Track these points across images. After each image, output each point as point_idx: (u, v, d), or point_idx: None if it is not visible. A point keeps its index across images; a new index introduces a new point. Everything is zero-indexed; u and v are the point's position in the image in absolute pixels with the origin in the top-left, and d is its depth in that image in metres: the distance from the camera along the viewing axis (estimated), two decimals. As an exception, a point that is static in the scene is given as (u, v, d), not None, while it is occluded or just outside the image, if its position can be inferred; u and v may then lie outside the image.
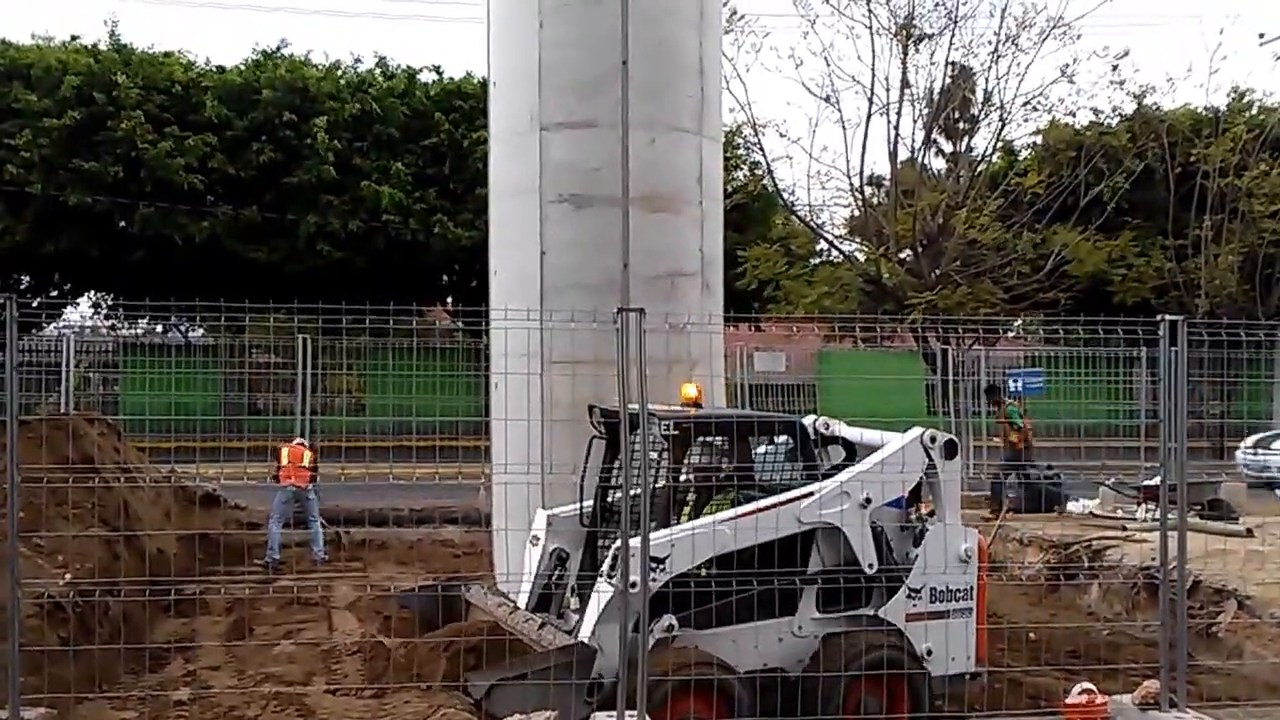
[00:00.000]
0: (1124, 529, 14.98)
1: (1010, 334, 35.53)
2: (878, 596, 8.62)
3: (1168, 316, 8.36)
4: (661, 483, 9.06)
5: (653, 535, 7.85)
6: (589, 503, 9.18)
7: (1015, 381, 20.30)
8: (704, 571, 8.27)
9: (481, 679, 7.85)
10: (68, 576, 10.23)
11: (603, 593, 7.97)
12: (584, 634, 7.99)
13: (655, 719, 7.57)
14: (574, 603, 8.86)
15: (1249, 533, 14.21)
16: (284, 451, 15.60)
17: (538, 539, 9.13)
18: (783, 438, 9.28)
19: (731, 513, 8.31)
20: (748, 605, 8.32)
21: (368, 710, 8.96)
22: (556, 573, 9.14)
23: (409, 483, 16.51)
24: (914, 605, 8.70)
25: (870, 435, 9.48)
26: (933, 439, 8.90)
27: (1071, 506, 17.30)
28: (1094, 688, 8.42)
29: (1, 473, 8.15)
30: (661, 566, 7.91)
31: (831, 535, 8.54)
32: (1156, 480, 10.02)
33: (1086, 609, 12.94)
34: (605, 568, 7.98)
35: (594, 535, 9.01)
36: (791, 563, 8.35)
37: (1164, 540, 8.82)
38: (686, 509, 9.08)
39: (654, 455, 8.55)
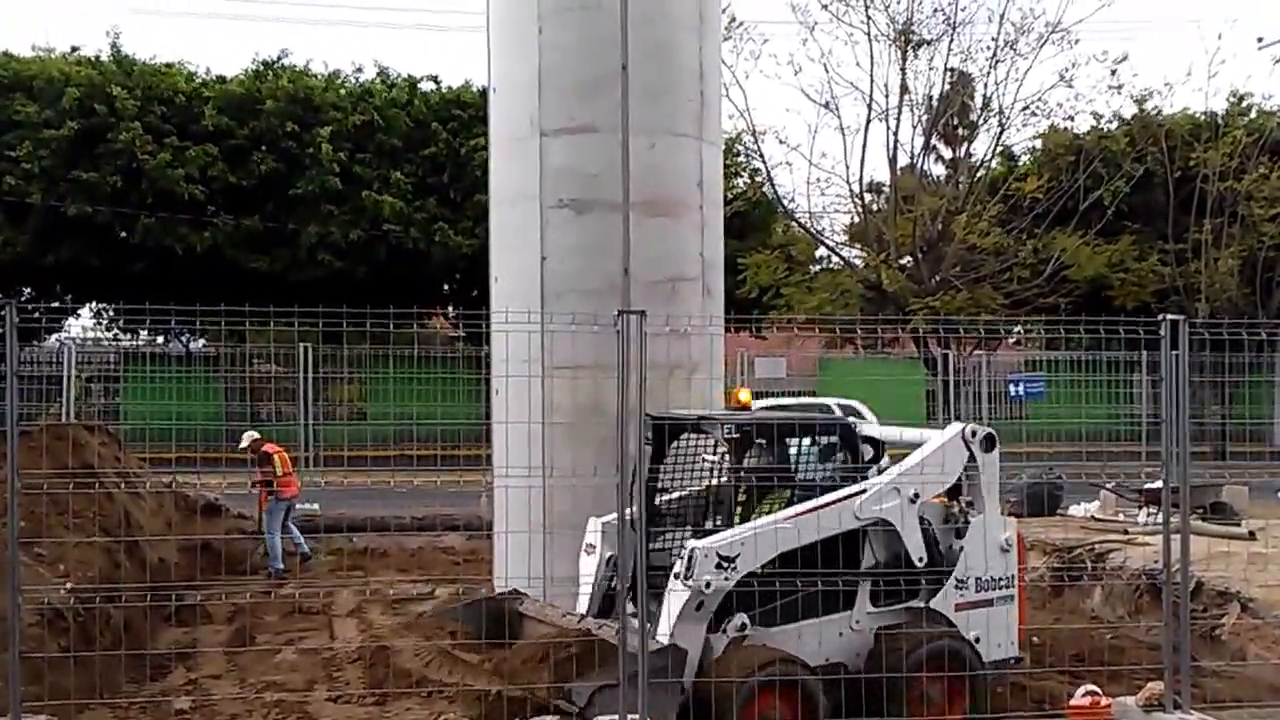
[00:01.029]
0: (1126, 532, 14.96)
1: (1012, 339, 35.56)
2: (928, 588, 8.87)
3: (1169, 316, 8.34)
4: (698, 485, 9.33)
5: (722, 535, 8.14)
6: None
7: (1016, 386, 20.29)
8: (761, 569, 8.38)
9: (582, 687, 7.91)
10: (69, 585, 10.22)
11: (677, 594, 8.07)
12: (662, 635, 8.08)
13: (742, 717, 7.78)
14: (628, 607, 8.85)
15: (1251, 535, 14.19)
16: (276, 459, 15.49)
17: (593, 547, 9.23)
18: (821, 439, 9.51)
19: (794, 510, 8.48)
20: (811, 601, 8.52)
21: (369, 717, 8.96)
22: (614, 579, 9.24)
23: (409, 489, 16.58)
24: (961, 595, 8.97)
25: (906, 433, 9.91)
26: (973, 433, 9.12)
27: (1073, 510, 17.28)
28: (1098, 690, 8.41)
29: (1, 482, 8.14)
30: (732, 565, 8.06)
31: (883, 530, 8.79)
32: (1158, 483, 10.00)
33: (1090, 612, 12.91)
34: (678, 569, 8.10)
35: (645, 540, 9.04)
36: (847, 558, 8.60)
37: (1167, 543, 8.79)
38: (737, 510, 9.23)
39: (714, 457, 8.92)
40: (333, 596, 13.41)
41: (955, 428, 9.19)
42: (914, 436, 9.66)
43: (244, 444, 15.73)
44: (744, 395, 9.64)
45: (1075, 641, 11.03)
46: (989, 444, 9.15)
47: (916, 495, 8.80)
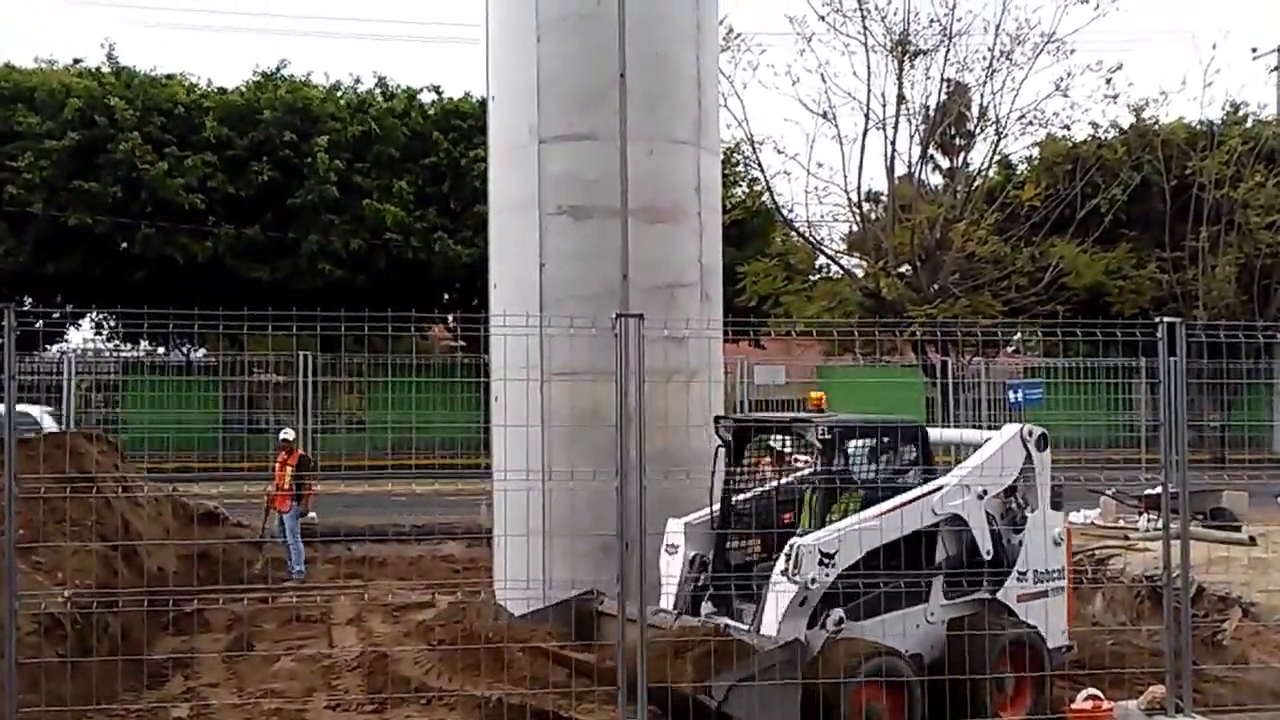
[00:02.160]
0: (1126, 538, 14.95)
1: (1010, 349, 35.59)
2: (994, 580, 9.25)
3: (1166, 319, 8.36)
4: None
5: (822, 532, 8.48)
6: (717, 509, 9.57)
7: (1015, 393, 20.27)
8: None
9: (720, 682, 8.00)
10: (67, 593, 10.19)
11: (782, 590, 8.30)
12: (768, 631, 8.33)
13: (852, 707, 8.06)
14: (707, 606, 9.17)
15: (1252, 540, 14.18)
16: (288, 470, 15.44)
17: (676, 547, 9.41)
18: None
19: (882, 507, 8.79)
20: (893, 595, 8.83)
21: (368, 724, 8.96)
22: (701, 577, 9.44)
23: (409, 498, 16.55)
24: (1022, 587, 9.42)
25: (965, 434, 10.58)
26: (1030, 433, 9.61)
27: (1074, 517, 17.26)
28: (1100, 694, 8.40)
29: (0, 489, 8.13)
30: (832, 561, 8.37)
31: (954, 526, 9.18)
32: (1158, 489, 10.03)
33: (1091, 618, 12.89)
34: (784, 566, 8.34)
35: (723, 539, 9.45)
36: (925, 553, 9.01)
37: (1167, 548, 8.82)
38: (806, 510, 9.53)
39: (808, 458, 9.29)
40: (331, 605, 13.39)
41: (1012, 428, 9.71)
42: (973, 437, 10.34)
43: (290, 436, 15.67)
44: (816, 395, 9.84)
45: (1077, 646, 11.00)
46: (1042, 443, 9.64)
47: (985, 492, 9.24)
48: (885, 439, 9.48)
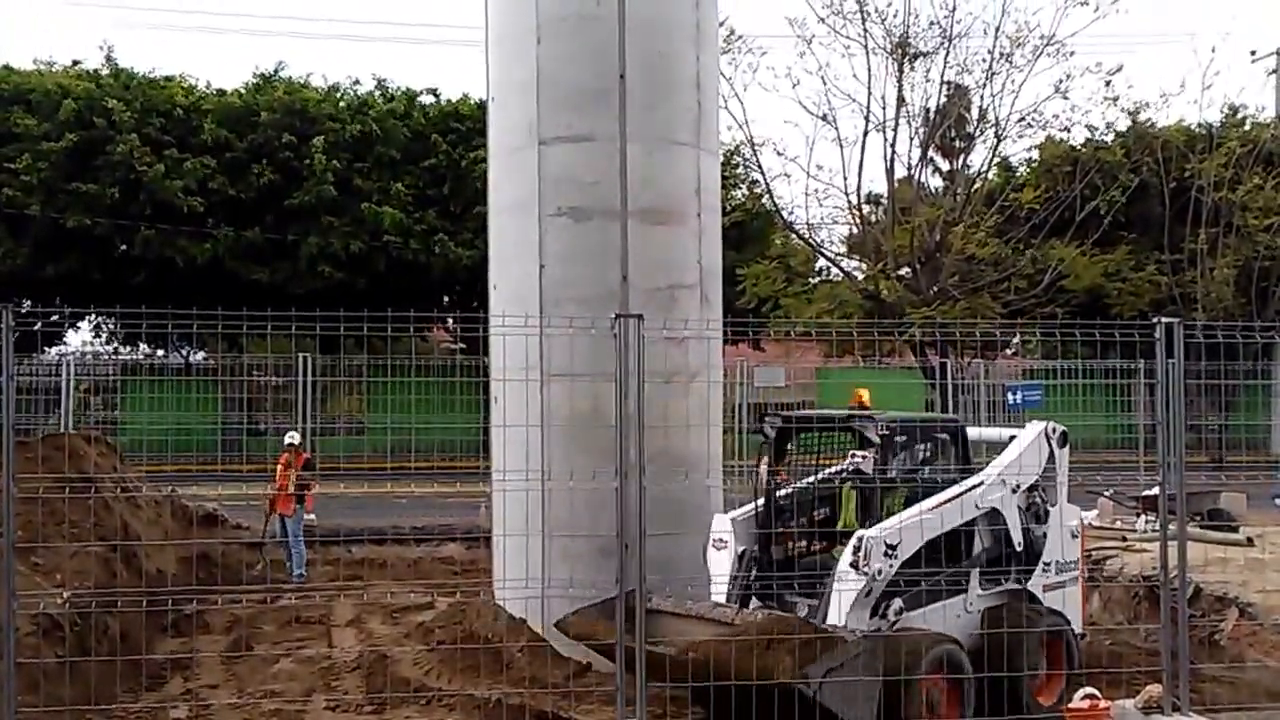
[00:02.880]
0: (1124, 539, 14.97)
1: (1010, 351, 35.60)
2: (1023, 571, 9.64)
3: (1164, 319, 8.37)
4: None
5: (886, 524, 8.69)
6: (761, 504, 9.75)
7: (1014, 395, 20.29)
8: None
9: (815, 670, 8.00)
10: (66, 594, 10.20)
11: (849, 582, 8.48)
12: (834, 622, 8.45)
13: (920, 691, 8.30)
14: (755, 602, 9.30)
15: (1249, 542, 14.20)
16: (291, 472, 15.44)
17: (724, 542, 9.51)
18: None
19: (935, 501, 9.08)
20: (938, 586, 9.11)
21: (368, 725, 8.97)
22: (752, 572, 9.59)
23: (409, 500, 16.55)
24: (1047, 578, 9.84)
25: (985, 432, 11.13)
26: (1053, 430, 10.09)
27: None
28: (1097, 693, 8.42)
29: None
30: (894, 553, 8.62)
31: (990, 519, 9.53)
32: (1155, 490, 10.09)
33: (1089, 618, 12.89)
34: (851, 558, 8.51)
35: (767, 536, 9.60)
36: (966, 545, 9.37)
37: (1164, 548, 8.85)
38: (846, 504, 9.72)
39: (867, 455, 9.46)
40: (331, 606, 13.41)
41: (1037, 426, 10.15)
42: (994, 435, 10.84)
43: (296, 440, 15.70)
44: (863, 393, 10.16)
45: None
46: (1063, 440, 10.14)
47: (1017, 486, 9.65)
48: (933, 436, 9.91)
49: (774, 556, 9.54)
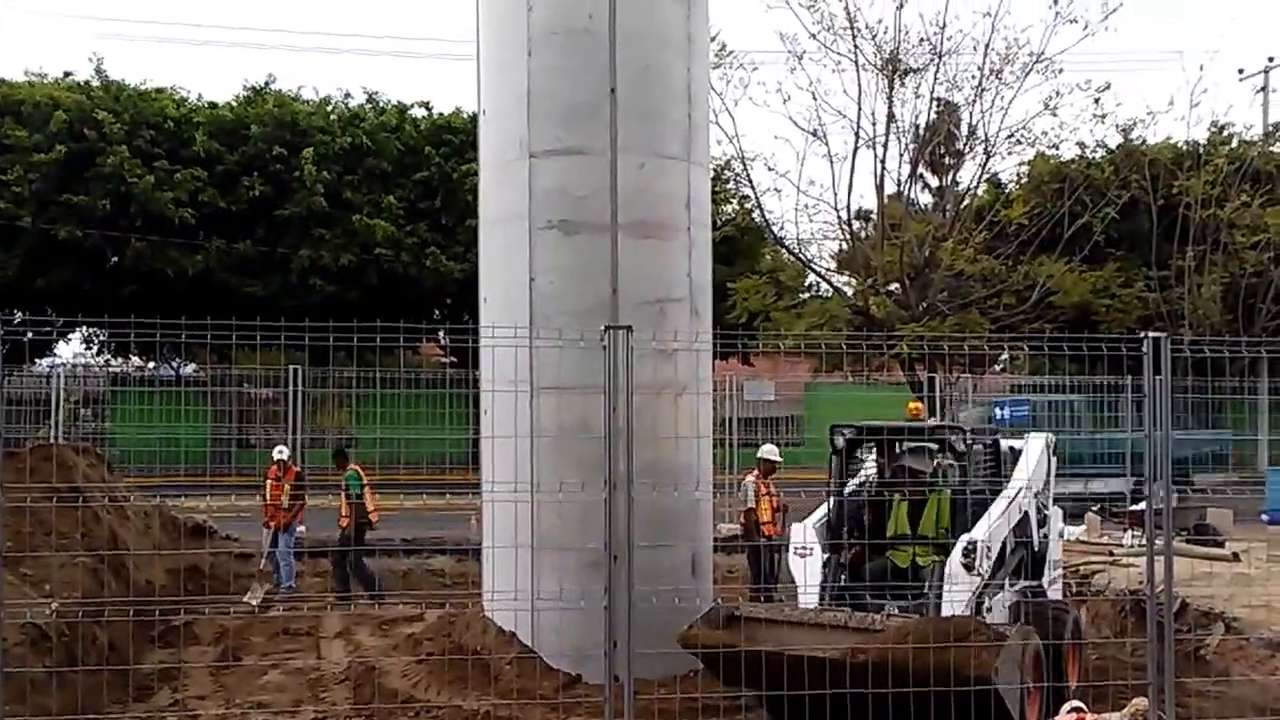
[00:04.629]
0: (1111, 554, 15.03)
1: (998, 367, 35.69)
2: (1037, 570, 10.37)
3: (1151, 334, 8.44)
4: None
5: (983, 528, 9.22)
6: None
7: (1002, 410, 20.36)
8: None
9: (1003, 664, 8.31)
10: (54, 604, 10.19)
11: (962, 583, 9.03)
12: None
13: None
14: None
15: (1235, 557, 14.26)
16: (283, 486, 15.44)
17: (808, 550, 9.81)
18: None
19: (1000, 507, 9.65)
20: (999, 584, 9.72)
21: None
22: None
23: (399, 512, 16.54)
24: (1050, 575, 10.68)
25: None
26: (1051, 441, 10.97)
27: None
28: (1084, 706, 8.44)
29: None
30: (990, 555, 9.23)
31: (1022, 522, 10.14)
32: (1142, 505, 10.20)
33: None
34: (963, 560, 9.05)
35: (847, 542, 9.99)
36: (1011, 547, 9.96)
37: (1150, 563, 8.89)
38: (895, 509, 10.07)
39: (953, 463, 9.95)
40: (320, 618, 13.39)
41: (1041, 437, 10.87)
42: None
43: (285, 455, 15.68)
44: (917, 406, 10.54)
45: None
46: (1057, 448, 11.11)
47: (1037, 493, 10.42)
48: (989, 447, 10.57)
49: (857, 562, 9.94)
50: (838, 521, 9.95)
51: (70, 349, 36.30)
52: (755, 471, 14.49)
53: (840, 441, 10.06)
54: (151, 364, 35.84)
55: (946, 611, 8.96)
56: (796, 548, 9.85)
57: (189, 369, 35.18)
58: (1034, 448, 10.62)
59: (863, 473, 10.51)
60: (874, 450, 10.52)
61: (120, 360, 35.88)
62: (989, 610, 9.27)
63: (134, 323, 7.86)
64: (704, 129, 11.67)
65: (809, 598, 9.61)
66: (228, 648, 12.12)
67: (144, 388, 29.38)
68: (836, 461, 10.09)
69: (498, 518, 10.43)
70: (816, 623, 8.93)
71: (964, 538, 9.14)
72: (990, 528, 9.32)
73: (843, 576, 9.81)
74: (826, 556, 9.81)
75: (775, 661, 8.25)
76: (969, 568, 9.02)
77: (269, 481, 15.66)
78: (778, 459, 14.65)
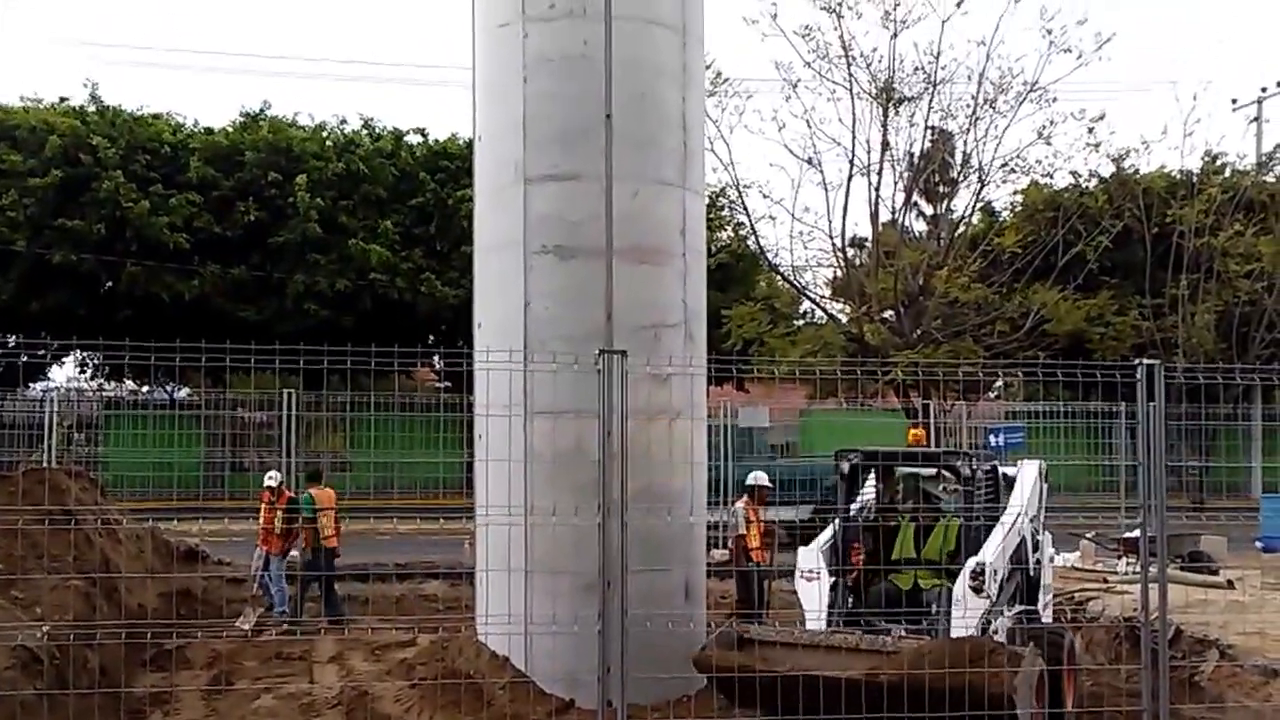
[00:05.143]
0: (1105, 581, 15.02)
1: (992, 394, 35.74)
2: (1031, 595, 10.51)
3: (1145, 361, 8.47)
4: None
5: (988, 551, 9.41)
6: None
7: (996, 437, 20.38)
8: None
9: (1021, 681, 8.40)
10: (45, 627, 10.14)
11: (973, 604, 9.17)
12: None
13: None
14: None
15: (1230, 584, 14.26)
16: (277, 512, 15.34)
17: (816, 574, 9.94)
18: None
19: (1004, 530, 9.83)
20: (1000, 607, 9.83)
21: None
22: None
23: (391, 537, 16.49)
24: (1044, 598, 10.89)
25: None
26: (1043, 468, 11.10)
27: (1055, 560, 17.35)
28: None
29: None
30: (997, 578, 9.46)
31: (1019, 546, 10.29)
32: (1136, 533, 10.22)
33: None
34: (972, 583, 9.19)
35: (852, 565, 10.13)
36: (1012, 570, 10.15)
37: (1145, 590, 8.90)
38: (901, 533, 10.25)
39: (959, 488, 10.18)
40: (313, 642, 13.34)
41: (1034, 464, 11.01)
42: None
43: (276, 481, 15.64)
44: (919, 433, 11.23)
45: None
46: (1047, 475, 11.21)
47: (1033, 517, 10.61)
48: (989, 472, 10.60)
49: (863, 585, 10.08)
50: (844, 545, 10.07)
51: (64, 373, 36.25)
52: (745, 497, 14.48)
53: (846, 466, 10.21)
54: (145, 388, 35.79)
55: (956, 634, 9.05)
56: (803, 572, 9.98)
57: (183, 393, 35.14)
58: (1028, 474, 10.73)
59: (865, 496, 10.61)
60: (881, 474, 10.66)
61: (114, 385, 35.82)
62: (995, 632, 9.38)
63: (128, 346, 7.87)
64: (699, 155, 11.71)
65: (816, 621, 9.73)
66: (220, 672, 12.06)
67: (138, 411, 29.31)
68: (843, 486, 10.24)
69: (492, 541, 10.41)
70: (829, 645, 9.00)
71: (972, 560, 9.28)
72: (997, 551, 9.47)
73: (849, 600, 9.91)
74: (834, 580, 9.89)
75: (792, 683, 8.26)
76: (978, 590, 9.13)
77: (263, 506, 15.62)
78: (768, 484, 14.66)
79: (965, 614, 9.11)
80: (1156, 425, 8.64)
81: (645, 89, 10.87)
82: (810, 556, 9.99)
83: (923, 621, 9.54)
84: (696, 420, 11.16)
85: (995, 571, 9.34)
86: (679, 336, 11.06)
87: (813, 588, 9.89)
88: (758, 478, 14.67)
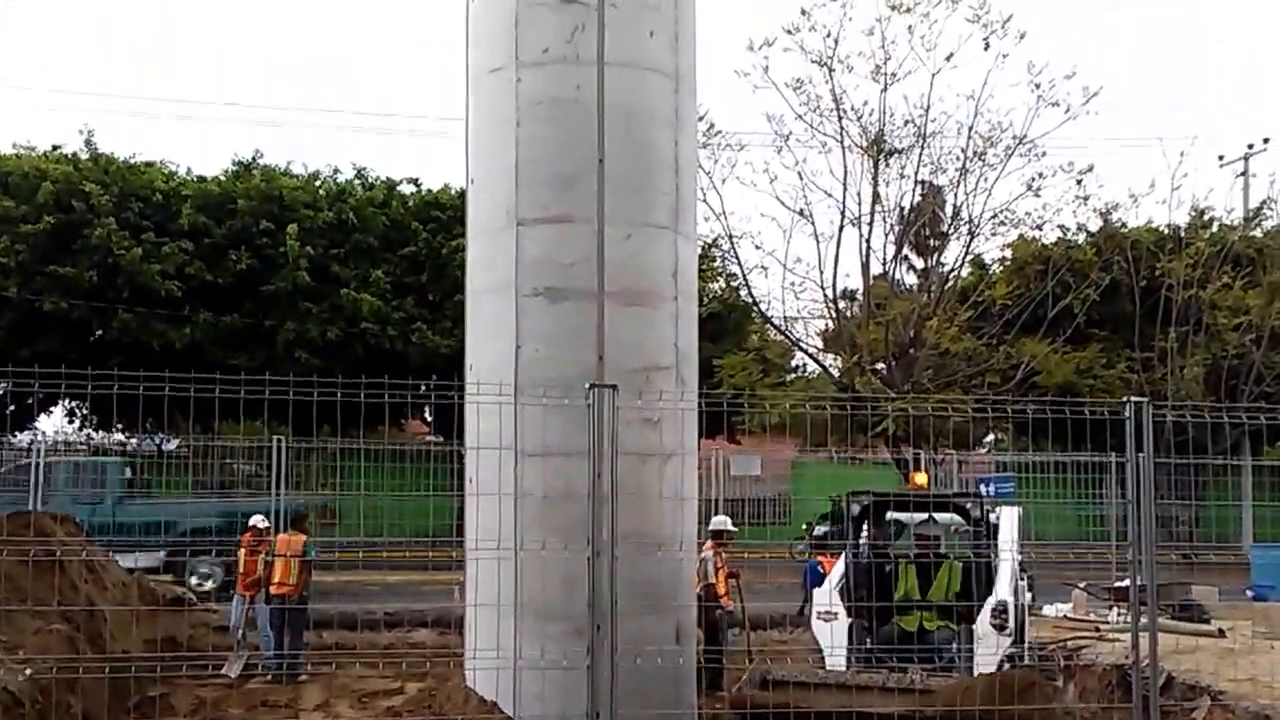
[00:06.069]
0: (1097, 630, 14.95)
1: (982, 449, 35.78)
2: (1018, 625, 10.75)
3: (1133, 399, 8.50)
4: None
5: (1004, 589, 9.94)
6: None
7: (986, 487, 20.39)
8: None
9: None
10: (28, 672, 10.03)
11: (995, 640, 9.60)
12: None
13: None
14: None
15: (1221, 633, 14.20)
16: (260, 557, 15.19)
17: (835, 614, 10.31)
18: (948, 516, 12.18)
19: (1010, 570, 10.32)
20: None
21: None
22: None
23: (381, 588, 16.36)
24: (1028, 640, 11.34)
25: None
26: (1020, 514, 11.67)
27: (1046, 610, 17.26)
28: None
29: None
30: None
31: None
32: (1127, 582, 10.19)
33: (1063, 709, 12.81)
34: (992, 620, 9.74)
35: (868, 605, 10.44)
36: None
37: (1135, 635, 8.89)
38: (905, 574, 10.63)
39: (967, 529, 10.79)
40: (299, 690, 13.21)
41: (1013, 510, 11.55)
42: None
43: (263, 525, 15.48)
44: (920, 478, 11.10)
45: None
46: (1023, 519, 11.79)
47: (1020, 558, 11.12)
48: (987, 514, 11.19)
49: (879, 625, 10.36)
50: (855, 586, 10.34)
51: (53, 422, 36.04)
52: (710, 543, 14.35)
53: (857, 508, 10.64)
54: (134, 440, 35.58)
55: (980, 669, 9.40)
56: (821, 611, 10.27)
57: (171, 445, 34.94)
58: (1008, 518, 11.20)
59: (867, 538, 10.81)
60: (886, 516, 11.15)
61: (102, 434, 35.61)
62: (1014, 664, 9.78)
63: (118, 374, 7.86)
64: (691, 200, 11.77)
65: (835, 660, 10.02)
66: (205, 719, 11.92)
67: (125, 459, 29.09)
68: (852, 527, 10.62)
69: (481, 581, 10.33)
70: (858, 685, 9.13)
71: (992, 598, 9.67)
72: (1009, 588, 9.86)
73: (867, 640, 10.23)
74: (851, 621, 10.20)
75: None
76: (1000, 628, 9.50)
77: (242, 550, 15.50)
78: (731, 529, 14.74)
79: (994, 651, 9.52)
80: (1146, 471, 8.66)
81: (638, 133, 10.95)
82: (827, 597, 10.24)
83: (936, 660, 9.73)
84: (687, 455, 11.13)
85: (1014, 608, 9.73)
86: (670, 379, 11.05)
87: (829, 628, 10.12)
88: (723, 522, 14.65)
